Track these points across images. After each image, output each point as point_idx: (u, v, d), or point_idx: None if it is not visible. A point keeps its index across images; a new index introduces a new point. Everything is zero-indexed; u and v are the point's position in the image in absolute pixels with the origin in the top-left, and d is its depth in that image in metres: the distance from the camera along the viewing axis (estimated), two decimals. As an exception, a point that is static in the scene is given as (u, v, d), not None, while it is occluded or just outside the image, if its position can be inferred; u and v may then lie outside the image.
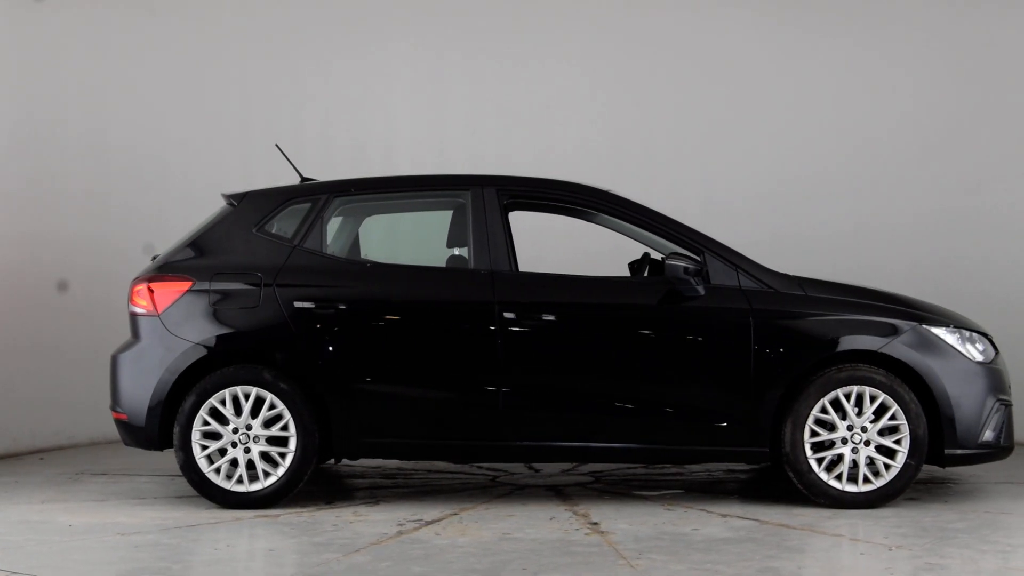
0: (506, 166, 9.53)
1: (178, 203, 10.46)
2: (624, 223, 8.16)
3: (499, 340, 7.74)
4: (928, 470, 9.02)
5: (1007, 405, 7.98)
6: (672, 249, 7.99)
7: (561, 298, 7.83)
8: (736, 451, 7.86)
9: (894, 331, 7.81)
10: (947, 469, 9.01)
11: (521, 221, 9.07)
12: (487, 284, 7.80)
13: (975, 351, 7.92)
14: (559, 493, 8.28)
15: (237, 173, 10.33)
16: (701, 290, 7.77)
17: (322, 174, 8.53)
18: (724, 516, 7.56)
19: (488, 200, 7.96)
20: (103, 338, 8.93)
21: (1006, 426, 7.98)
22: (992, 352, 8.05)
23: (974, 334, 8.02)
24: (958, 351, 7.84)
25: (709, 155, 11.47)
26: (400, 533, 7.11)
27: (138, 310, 7.88)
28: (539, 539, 6.95)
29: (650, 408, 7.79)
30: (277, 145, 8.57)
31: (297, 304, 7.78)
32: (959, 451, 7.82)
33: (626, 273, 8.68)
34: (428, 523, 7.35)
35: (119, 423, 7.91)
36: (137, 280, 7.96)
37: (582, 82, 11.55)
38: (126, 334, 7.95)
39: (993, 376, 7.94)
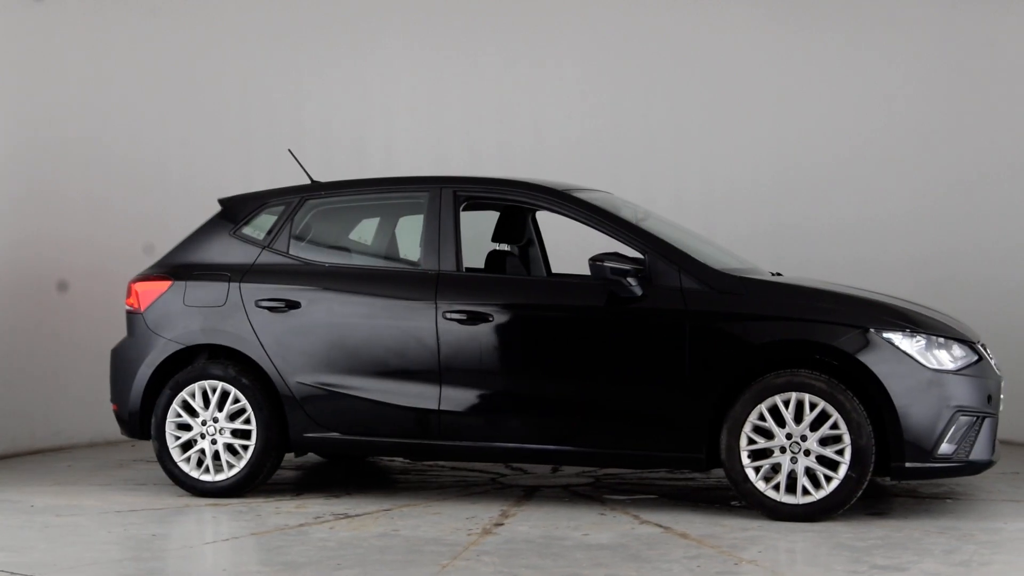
0: (505, 165, 9.58)
1: (178, 204, 10.50)
2: (575, 223, 8.10)
3: (439, 340, 7.86)
4: (949, 482, 8.49)
5: (979, 417, 7.43)
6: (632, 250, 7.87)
7: (500, 299, 7.87)
8: (672, 456, 7.69)
9: (835, 335, 7.42)
10: (962, 480, 8.48)
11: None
12: (431, 285, 7.93)
13: (944, 357, 7.43)
14: (528, 494, 8.30)
15: (237, 174, 10.57)
16: (638, 291, 7.63)
17: (322, 174, 8.82)
18: (642, 522, 7.43)
19: (444, 201, 8.09)
20: (103, 338, 9.43)
21: (977, 439, 7.45)
22: (972, 359, 7.53)
23: (949, 340, 7.51)
24: (911, 357, 7.37)
25: (709, 148, 11.24)
26: (301, 525, 7.38)
27: (129, 308, 8.47)
28: (414, 537, 7.06)
29: (586, 411, 7.73)
30: (290, 150, 8.95)
31: (257, 303, 8.16)
32: (908, 464, 7.35)
33: None
34: (343, 517, 7.58)
35: (114, 414, 8.50)
36: (131, 280, 8.55)
37: (581, 78, 11.39)
38: (124, 334, 8.56)
39: (958, 385, 7.43)
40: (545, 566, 6.41)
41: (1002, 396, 7.76)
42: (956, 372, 7.45)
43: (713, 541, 6.94)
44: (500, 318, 7.82)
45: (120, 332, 8.57)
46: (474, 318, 7.82)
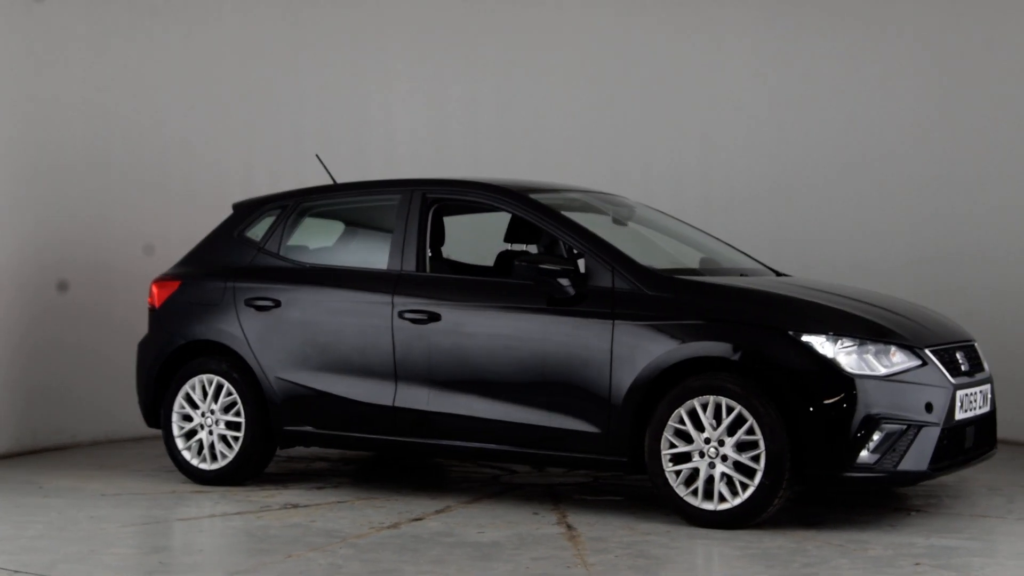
0: (505, 164, 9.58)
1: (178, 204, 10.59)
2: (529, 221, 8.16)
3: (394, 339, 8.06)
4: (940, 494, 8.06)
5: (910, 426, 7.05)
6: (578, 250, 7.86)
7: (448, 299, 7.97)
8: (596, 459, 7.61)
9: (752, 338, 7.19)
10: (961, 492, 8.02)
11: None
12: (391, 285, 8.14)
13: (875, 363, 7.10)
14: (500, 492, 8.39)
15: (237, 174, 10.77)
16: (571, 291, 7.62)
17: (321, 174, 9.12)
18: (559, 523, 7.40)
19: (413, 203, 8.28)
20: (103, 338, 9.95)
21: (909, 449, 7.08)
22: (911, 365, 7.17)
23: (887, 345, 7.17)
24: (831, 361, 7.05)
25: (709, 149, 11.06)
26: (238, 513, 7.75)
27: (149, 306, 9.05)
28: (316, 528, 7.28)
29: (522, 411, 7.74)
30: (317, 155, 9.31)
31: (245, 301, 8.57)
32: (822, 472, 7.06)
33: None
34: (289, 508, 7.87)
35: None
36: (152, 280, 9.14)
37: (581, 78, 11.21)
38: (125, 333, 9.20)
39: (886, 392, 7.07)
40: (379, 559, 6.52)
41: (965, 403, 7.36)
42: (886, 378, 7.08)
43: (595, 544, 6.86)
44: (448, 318, 7.94)
45: (119, 331, 9.21)
46: (424, 318, 7.97)
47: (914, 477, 7.17)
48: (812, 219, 10.83)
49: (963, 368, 7.53)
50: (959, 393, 7.32)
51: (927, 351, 7.28)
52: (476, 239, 9.38)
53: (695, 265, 8.47)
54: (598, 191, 8.98)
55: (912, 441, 7.08)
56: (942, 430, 7.18)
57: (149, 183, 10.70)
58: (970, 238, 10.38)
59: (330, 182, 9.08)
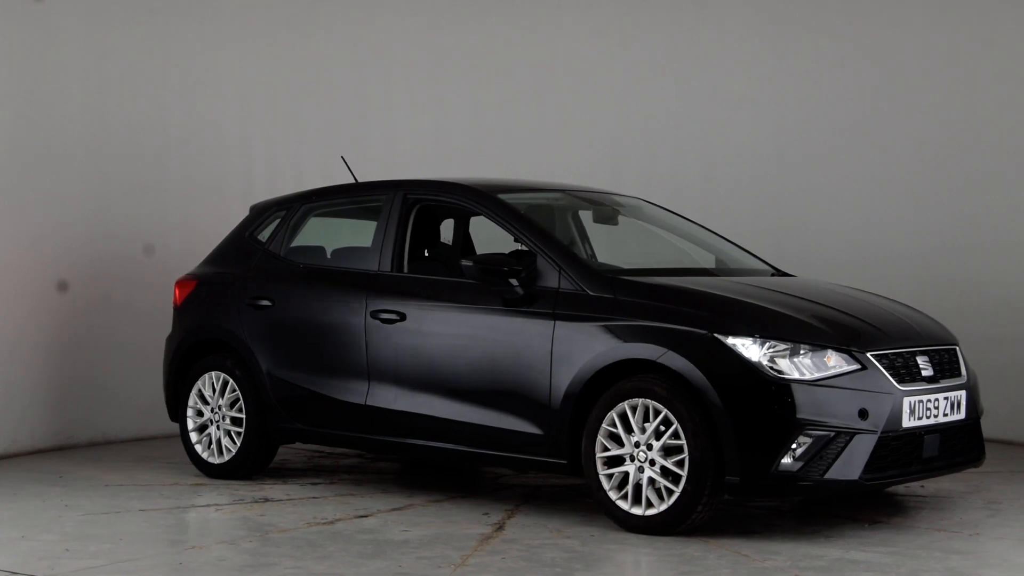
0: (508, 165, 9.48)
1: (178, 203, 10.53)
2: (493, 223, 8.13)
3: (367, 338, 8.17)
4: (929, 503, 7.69)
5: (839, 433, 6.77)
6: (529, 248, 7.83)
7: (412, 299, 8.02)
8: (538, 461, 7.54)
9: (678, 339, 7.02)
10: (952, 500, 7.64)
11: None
12: (368, 285, 8.25)
13: (806, 366, 6.84)
14: (481, 491, 8.39)
15: (238, 173, 10.77)
16: (519, 292, 7.59)
17: (322, 175, 9.26)
18: (491, 524, 7.38)
19: (395, 204, 8.37)
20: (102, 339, 10.10)
21: (838, 457, 6.79)
22: (847, 369, 6.90)
23: (823, 349, 6.91)
24: (754, 364, 6.83)
25: (709, 146, 10.84)
26: (207, 505, 7.97)
27: (173, 304, 9.38)
28: (257, 522, 7.45)
29: (475, 411, 7.72)
30: (343, 157, 9.48)
31: (246, 300, 8.81)
32: (740, 479, 6.85)
33: None
34: (261, 501, 8.04)
35: (166, 400, 9.44)
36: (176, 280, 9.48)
37: (582, 75, 10.96)
38: (125, 334, 9.57)
39: (814, 397, 6.79)
40: (271, 553, 6.64)
41: (919, 410, 7.06)
42: (815, 383, 6.80)
43: (501, 546, 6.81)
44: (412, 318, 7.98)
45: (119, 331, 9.48)
46: (390, 318, 8.04)
47: (844, 487, 6.86)
48: (814, 216, 10.58)
49: (924, 373, 7.17)
50: (909, 400, 6.98)
51: (869, 355, 6.95)
52: (502, 239, 9.35)
53: (693, 264, 8.31)
54: (599, 190, 8.88)
55: (842, 449, 6.78)
56: (881, 438, 6.85)
57: (148, 182, 10.58)
58: (971, 236, 10.03)
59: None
